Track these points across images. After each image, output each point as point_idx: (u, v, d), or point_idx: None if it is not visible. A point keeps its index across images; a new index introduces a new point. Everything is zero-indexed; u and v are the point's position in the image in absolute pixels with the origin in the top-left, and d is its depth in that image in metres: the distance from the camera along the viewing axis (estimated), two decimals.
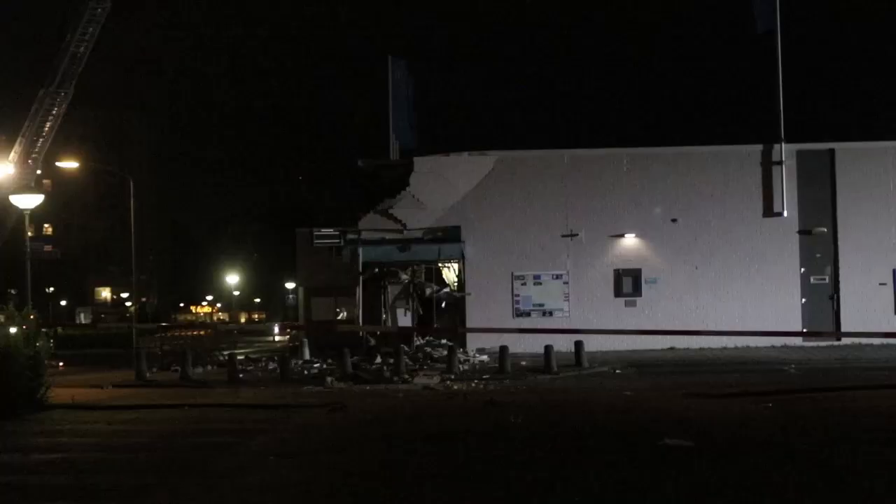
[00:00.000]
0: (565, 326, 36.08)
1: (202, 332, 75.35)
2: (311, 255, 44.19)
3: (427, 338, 36.59)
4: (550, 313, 37.61)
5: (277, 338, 64.46)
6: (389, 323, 38.84)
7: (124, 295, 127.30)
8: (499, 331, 33.23)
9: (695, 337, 34.78)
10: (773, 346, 35.39)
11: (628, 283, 37.78)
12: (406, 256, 37.95)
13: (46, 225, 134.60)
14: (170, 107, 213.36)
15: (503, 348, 29.73)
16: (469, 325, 36.99)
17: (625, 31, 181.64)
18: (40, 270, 69.37)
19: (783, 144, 37.57)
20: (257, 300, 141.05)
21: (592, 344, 32.78)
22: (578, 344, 30.75)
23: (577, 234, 37.76)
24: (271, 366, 33.57)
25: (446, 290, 39.49)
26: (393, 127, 42.24)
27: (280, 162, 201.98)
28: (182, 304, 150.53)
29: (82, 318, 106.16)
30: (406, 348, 32.12)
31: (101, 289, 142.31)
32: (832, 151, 38.09)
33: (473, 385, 25.76)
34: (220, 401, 22.43)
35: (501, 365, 29.25)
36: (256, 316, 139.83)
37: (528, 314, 37.60)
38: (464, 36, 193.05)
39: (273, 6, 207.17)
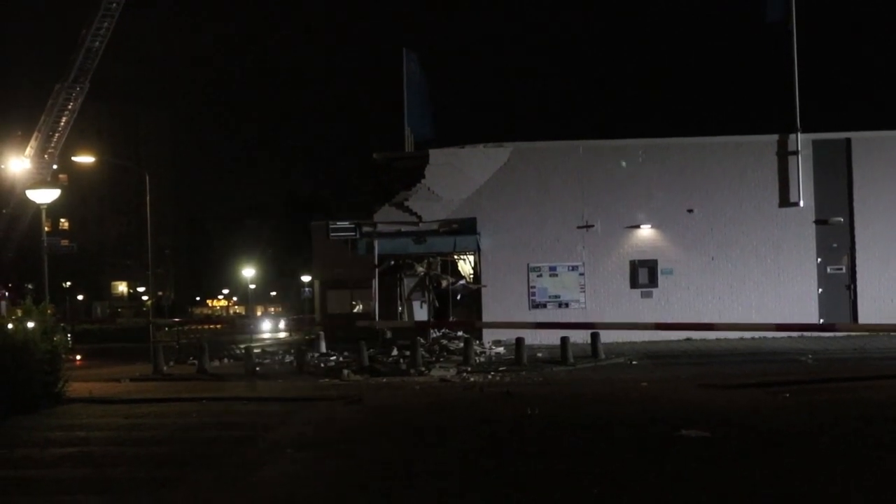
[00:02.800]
0: (581, 318, 36.13)
1: (218, 326, 75.49)
2: (327, 248, 44.21)
3: (443, 330, 36.60)
4: (566, 305, 37.56)
5: (267, 335, 63.96)
6: (405, 315, 38.86)
7: (141, 289, 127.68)
8: (514, 325, 33.18)
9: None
10: (789, 337, 35.26)
11: (644, 274, 37.71)
12: (422, 249, 37.94)
13: (63, 220, 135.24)
14: (185, 101, 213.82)
15: (519, 340, 29.77)
16: (485, 316, 37.00)
17: (641, 21, 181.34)
18: (57, 265, 69.54)
19: (799, 134, 37.41)
20: (273, 293, 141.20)
21: (609, 335, 32.72)
22: (594, 335, 30.76)
23: (593, 226, 37.69)
24: (288, 359, 33.67)
25: (462, 282, 39.50)
26: (408, 119, 42.23)
27: (296, 155, 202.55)
28: (198, 298, 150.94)
29: (98, 313, 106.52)
30: (422, 341, 32.13)
31: (117, 283, 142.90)
32: (848, 141, 37.91)
33: (490, 377, 25.79)
34: (237, 394, 22.50)
35: (518, 357, 29.29)
36: (273, 309, 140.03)
37: (544, 306, 37.56)
38: (479, 27, 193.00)
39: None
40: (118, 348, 46.51)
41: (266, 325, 71.24)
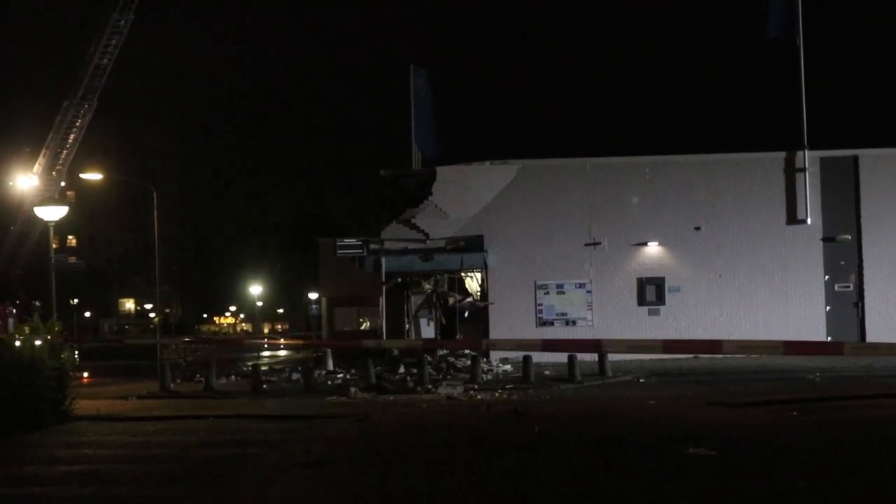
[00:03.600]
0: (589, 336, 36.09)
1: (225, 343, 75.23)
2: (334, 265, 44.26)
3: None
4: (574, 322, 37.55)
5: (266, 352, 63.55)
6: (413, 333, 38.83)
7: (148, 306, 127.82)
8: (521, 346, 33.01)
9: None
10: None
11: (651, 291, 37.68)
12: (429, 266, 37.95)
13: (71, 237, 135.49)
14: (193, 117, 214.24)
15: (527, 358, 29.71)
16: (492, 334, 36.94)
17: (647, 38, 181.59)
18: (65, 282, 69.71)
19: (806, 151, 37.44)
20: (280, 311, 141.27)
21: (616, 352, 32.69)
22: (602, 353, 30.70)
23: (600, 243, 37.70)
24: (295, 376, 33.65)
25: (469, 299, 39.48)
26: (414, 136, 42.29)
27: (303, 173, 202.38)
28: (206, 315, 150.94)
29: (106, 330, 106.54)
30: (429, 358, 32.09)
31: (125, 300, 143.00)
32: (856, 158, 37.92)
33: (497, 395, 25.75)
34: (244, 411, 22.46)
35: (525, 374, 29.23)
36: (280, 326, 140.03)
37: (551, 323, 37.54)
38: (485, 44, 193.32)
39: (296, 17, 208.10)
40: (125, 366, 46.48)
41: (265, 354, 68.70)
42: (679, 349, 30.40)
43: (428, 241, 37.98)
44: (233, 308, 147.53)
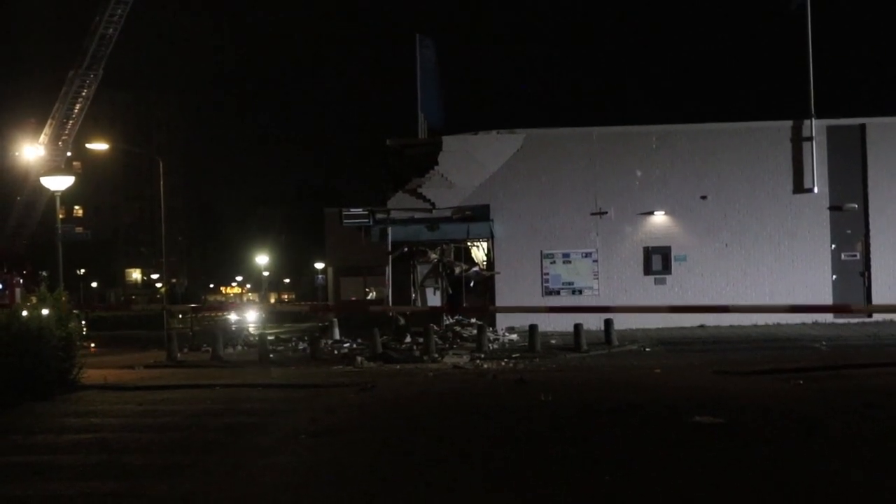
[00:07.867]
0: (595, 304, 36.10)
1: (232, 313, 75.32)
2: (341, 235, 44.24)
3: (456, 317, 36.61)
4: (580, 292, 37.56)
5: (234, 316, 63.39)
6: (419, 302, 38.88)
7: (154, 276, 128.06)
8: (528, 310, 33.20)
9: (725, 314, 34.73)
10: (803, 324, 35.24)
11: (658, 260, 37.67)
12: (435, 235, 37.95)
13: (77, 207, 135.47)
14: (198, 88, 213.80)
15: (533, 327, 29.77)
16: (499, 303, 37.05)
17: (654, 6, 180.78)
18: (71, 253, 69.69)
19: (813, 120, 37.34)
20: (287, 280, 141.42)
21: (622, 322, 32.75)
22: (608, 322, 30.77)
23: (607, 212, 37.67)
24: (301, 346, 33.73)
25: (475, 268, 39.50)
26: (421, 106, 42.18)
27: (309, 143, 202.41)
28: (212, 286, 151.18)
29: (112, 300, 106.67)
30: (435, 327, 32.14)
31: (131, 270, 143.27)
32: (863, 127, 37.81)
33: (503, 364, 25.80)
34: (251, 381, 22.50)
35: (531, 343, 29.29)
36: (286, 296, 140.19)
37: (557, 293, 37.55)
38: (492, 14, 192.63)
39: None
40: (132, 335, 46.61)
41: (232, 317, 65.61)
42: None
43: (434, 211, 37.98)
44: (239, 278, 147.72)
